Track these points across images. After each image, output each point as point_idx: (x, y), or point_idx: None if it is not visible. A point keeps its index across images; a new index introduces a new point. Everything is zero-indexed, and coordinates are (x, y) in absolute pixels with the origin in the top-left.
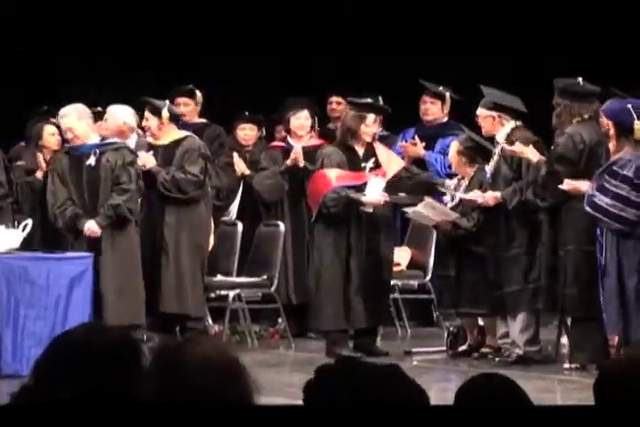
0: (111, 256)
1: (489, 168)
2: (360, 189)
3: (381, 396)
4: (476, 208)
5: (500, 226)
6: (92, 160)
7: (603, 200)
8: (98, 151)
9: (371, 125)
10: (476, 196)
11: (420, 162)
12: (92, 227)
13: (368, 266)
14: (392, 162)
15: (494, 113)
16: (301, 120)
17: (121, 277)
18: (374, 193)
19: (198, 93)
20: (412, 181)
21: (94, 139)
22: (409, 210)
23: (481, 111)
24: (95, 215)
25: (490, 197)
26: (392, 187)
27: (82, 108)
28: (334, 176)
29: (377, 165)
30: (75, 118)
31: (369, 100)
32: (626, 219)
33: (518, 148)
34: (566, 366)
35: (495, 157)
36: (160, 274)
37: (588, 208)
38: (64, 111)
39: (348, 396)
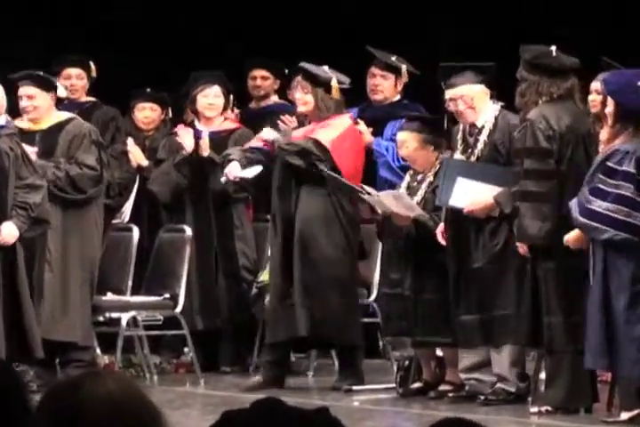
0: (24, 269)
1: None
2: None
3: None
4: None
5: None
6: None
7: (602, 206)
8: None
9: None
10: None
11: (366, 151)
12: (12, 231)
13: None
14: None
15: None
16: (210, 98)
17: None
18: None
19: (92, 65)
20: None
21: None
22: (366, 196)
23: (466, 88)
24: (2, 217)
25: (480, 205)
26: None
27: None
28: None
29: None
30: None
31: None
32: (635, 226)
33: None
34: (534, 409)
35: (479, 145)
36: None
37: (582, 219)
38: None
39: None
